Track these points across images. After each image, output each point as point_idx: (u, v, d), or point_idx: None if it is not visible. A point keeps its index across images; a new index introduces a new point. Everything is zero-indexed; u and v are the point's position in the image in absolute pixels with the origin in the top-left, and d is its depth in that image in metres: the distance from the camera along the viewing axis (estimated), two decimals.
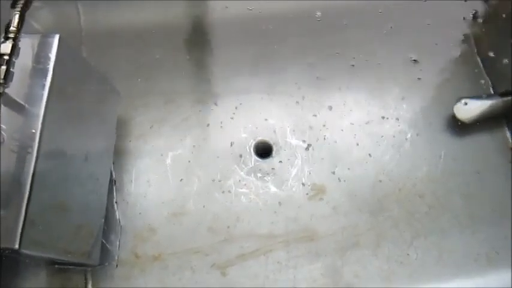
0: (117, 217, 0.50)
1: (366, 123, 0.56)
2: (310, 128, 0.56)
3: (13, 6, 0.37)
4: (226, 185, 0.53)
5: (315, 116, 0.56)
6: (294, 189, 0.53)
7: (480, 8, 0.63)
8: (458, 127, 0.55)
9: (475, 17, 0.63)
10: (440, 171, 0.54)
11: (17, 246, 0.34)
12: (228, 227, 0.51)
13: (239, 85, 0.58)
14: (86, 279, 0.48)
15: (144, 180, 0.53)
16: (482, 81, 0.59)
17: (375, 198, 0.52)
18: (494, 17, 0.63)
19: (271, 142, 0.55)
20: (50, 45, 0.39)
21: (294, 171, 0.53)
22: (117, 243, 0.49)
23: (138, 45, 0.60)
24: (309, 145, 0.55)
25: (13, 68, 0.36)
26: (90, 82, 0.47)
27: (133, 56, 0.59)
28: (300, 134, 0.55)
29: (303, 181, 0.53)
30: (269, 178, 0.53)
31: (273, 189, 0.53)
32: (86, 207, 0.45)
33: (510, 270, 0.49)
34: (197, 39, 0.61)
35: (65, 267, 0.46)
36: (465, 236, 0.51)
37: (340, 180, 0.53)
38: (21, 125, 0.37)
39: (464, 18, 0.63)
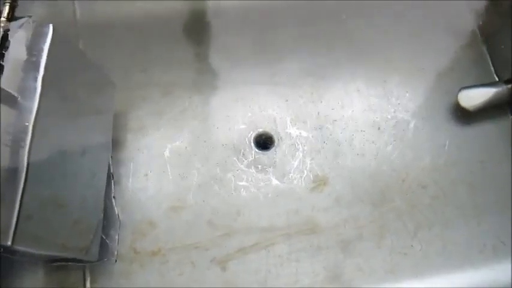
0: (116, 212, 0.49)
1: (368, 113, 0.55)
2: (311, 118, 0.55)
3: None
4: (226, 177, 0.52)
5: (316, 106, 0.55)
6: (295, 181, 0.52)
7: None
8: (462, 116, 0.54)
9: (480, 5, 0.62)
10: (444, 161, 0.53)
11: (9, 243, 0.33)
12: (228, 220, 0.50)
13: (238, 76, 0.57)
14: (84, 276, 0.47)
15: (142, 174, 0.52)
16: (487, 69, 0.58)
17: (378, 189, 0.52)
18: (499, 5, 0.62)
19: (271, 133, 0.54)
20: (43, 36, 0.38)
21: (295, 163, 0.52)
22: (116, 238, 0.48)
23: (134, 36, 0.59)
24: (310, 136, 0.54)
25: (3, 61, 0.35)
26: (85, 74, 0.45)
27: (130, 48, 0.58)
28: (301, 125, 0.54)
29: (305, 173, 0.52)
30: (270, 170, 0.52)
31: (274, 181, 0.52)
32: (83, 202, 0.44)
33: None
34: (195, 30, 0.60)
35: (63, 264, 0.45)
36: (470, 226, 0.50)
37: (342, 171, 0.52)
38: (14, 118, 0.36)
39: (469, 6, 0.62)
